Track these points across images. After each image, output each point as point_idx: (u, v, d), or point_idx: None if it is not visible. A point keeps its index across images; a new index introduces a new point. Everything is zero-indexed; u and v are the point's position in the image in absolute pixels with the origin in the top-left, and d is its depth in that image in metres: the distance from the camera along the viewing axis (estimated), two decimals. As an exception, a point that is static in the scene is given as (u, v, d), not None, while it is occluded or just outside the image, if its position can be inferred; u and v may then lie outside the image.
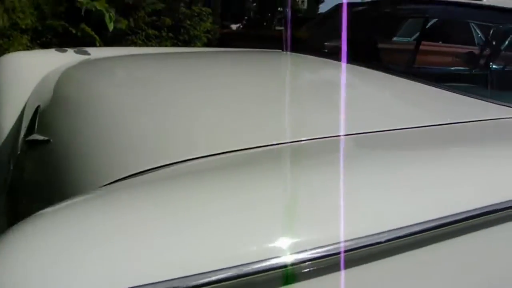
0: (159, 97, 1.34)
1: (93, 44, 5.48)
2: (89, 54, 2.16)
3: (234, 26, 7.95)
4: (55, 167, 1.21)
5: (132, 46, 5.90)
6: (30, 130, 1.48)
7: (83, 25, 5.07)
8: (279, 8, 10.36)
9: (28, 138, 1.41)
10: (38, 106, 1.58)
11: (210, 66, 1.82)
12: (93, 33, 5.14)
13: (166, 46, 5.70)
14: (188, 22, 5.93)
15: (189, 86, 1.43)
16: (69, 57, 2.13)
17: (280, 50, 2.29)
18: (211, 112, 1.22)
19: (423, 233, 0.79)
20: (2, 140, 1.86)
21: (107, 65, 1.83)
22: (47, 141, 1.31)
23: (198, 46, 5.95)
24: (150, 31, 5.53)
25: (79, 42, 5.30)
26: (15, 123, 1.85)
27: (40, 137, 1.35)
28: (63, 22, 4.99)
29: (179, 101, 1.31)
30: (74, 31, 5.18)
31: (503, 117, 1.35)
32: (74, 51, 2.19)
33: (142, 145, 1.08)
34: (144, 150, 1.05)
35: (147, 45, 5.59)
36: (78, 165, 1.14)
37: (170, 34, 5.76)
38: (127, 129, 1.17)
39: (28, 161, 1.42)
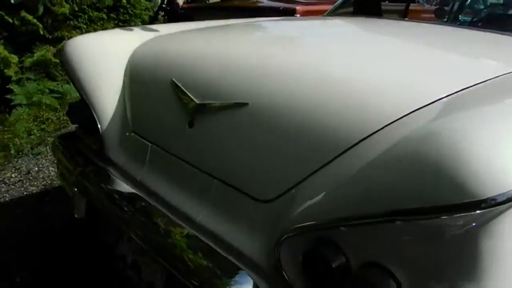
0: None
1: (36, 32, 5.08)
2: (156, 30, 2.09)
3: (180, 1, 7.68)
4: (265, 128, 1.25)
5: (74, 31, 5.55)
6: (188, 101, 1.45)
7: (23, 13, 4.64)
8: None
9: (207, 102, 1.38)
10: (172, 80, 1.53)
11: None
12: (35, 20, 4.74)
13: (109, 28, 5.44)
14: (124, 0, 5.67)
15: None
16: (138, 34, 2.05)
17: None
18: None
19: None
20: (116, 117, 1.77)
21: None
22: (245, 104, 1.30)
23: (139, 25, 5.75)
24: (93, 13, 5.21)
25: (19, 32, 4.89)
26: (133, 100, 1.77)
27: (229, 102, 1.34)
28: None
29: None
30: (11, 21, 4.74)
31: None
32: (140, 28, 2.12)
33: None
34: None
35: (90, 29, 5.28)
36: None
37: (112, 15, 5.47)
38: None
39: (209, 128, 1.39)
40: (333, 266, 0.99)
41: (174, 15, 7.85)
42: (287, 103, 1.23)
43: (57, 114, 4.58)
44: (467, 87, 1.14)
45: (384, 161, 0.95)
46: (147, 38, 1.99)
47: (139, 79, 1.79)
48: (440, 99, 1.09)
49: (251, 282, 1.13)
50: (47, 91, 5.08)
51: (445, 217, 0.84)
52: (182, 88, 1.49)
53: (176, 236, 1.32)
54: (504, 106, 1.05)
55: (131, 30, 2.10)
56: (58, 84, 5.24)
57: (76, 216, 1.78)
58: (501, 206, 0.77)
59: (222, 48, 1.69)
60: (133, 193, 1.55)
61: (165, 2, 6.57)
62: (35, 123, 4.30)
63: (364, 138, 1.04)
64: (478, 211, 0.79)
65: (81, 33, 5.62)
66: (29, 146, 3.64)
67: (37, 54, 5.36)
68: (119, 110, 1.80)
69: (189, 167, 1.43)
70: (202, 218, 1.34)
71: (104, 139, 1.78)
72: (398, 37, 1.93)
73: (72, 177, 1.75)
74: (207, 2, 8.09)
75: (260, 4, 5.41)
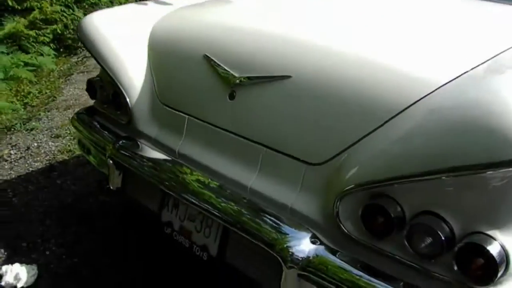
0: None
1: (5, 3, 4.96)
2: (170, 4, 2.15)
3: None
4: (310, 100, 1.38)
5: (44, 0, 5.43)
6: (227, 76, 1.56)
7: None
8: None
9: (249, 75, 1.50)
10: (205, 55, 1.64)
11: None
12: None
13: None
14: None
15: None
16: (154, 8, 2.11)
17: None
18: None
19: None
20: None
21: None
22: (287, 77, 1.43)
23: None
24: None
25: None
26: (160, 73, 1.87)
27: (272, 74, 1.46)
28: None
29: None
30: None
31: None
32: (154, 2, 2.17)
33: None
34: None
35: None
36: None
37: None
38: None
39: (253, 100, 1.51)
40: (392, 215, 1.15)
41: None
42: (334, 73, 1.36)
43: (37, 87, 4.54)
44: (494, 56, 1.30)
45: (436, 123, 1.11)
46: (165, 11, 2.05)
47: (166, 54, 1.87)
48: (477, 66, 1.24)
49: (309, 234, 1.29)
50: (22, 64, 4.99)
51: (490, 171, 1.01)
52: (218, 62, 1.60)
53: (230, 199, 1.46)
54: None
55: (146, 4, 2.16)
56: (31, 57, 5.15)
57: (111, 187, 1.88)
58: None
59: (254, 20, 1.78)
60: (177, 161, 1.67)
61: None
62: (17, 98, 4.26)
63: (415, 102, 1.19)
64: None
65: (52, 3, 5.52)
66: (20, 122, 3.63)
67: (8, 27, 5.24)
68: (147, 84, 1.88)
69: (234, 137, 1.55)
70: (254, 183, 1.47)
71: (133, 113, 1.87)
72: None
73: (107, 150, 1.84)
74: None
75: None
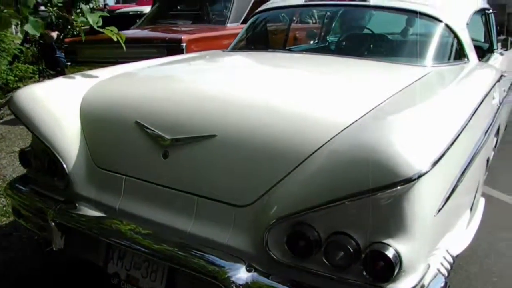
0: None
1: None
2: (96, 76, 2.37)
3: (54, 34, 7.52)
4: (238, 157, 1.64)
5: None
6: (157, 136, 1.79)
7: None
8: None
9: (180, 137, 1.75)
10: (137, 121, 1.87)
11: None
12: None
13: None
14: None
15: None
16: (81, 80, 2.33)
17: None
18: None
19: None
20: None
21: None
22: (213, 136, 1.70)
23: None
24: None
25: None
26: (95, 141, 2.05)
27: (194, 134, 1.72)
28: None
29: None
30: None
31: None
32: (81, 75, 2.38)
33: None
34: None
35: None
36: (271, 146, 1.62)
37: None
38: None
39: (185, 157, 1.76)
40: (310, 239, 1.44)
41: (47, 49, 7.75)
42: (252, 129, 1.65)
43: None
44: (375, 107, 1.67)
45: (335, 162, 1.43)
46: (92, 82, 2.26)
47: (98, 121, 2.06)
48: (365, 115, 1.60)
49: (245, 264, 1.53)
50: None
51: (378, 193, 1.33)
52: (149, 127, 1.83)
53: (172, 243, 1.67)
54: (402, 119, 1.59)
55: (73, 78, 2.35)
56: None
57: (54, 248, 2.00)
58: (412, 182, 1.30)
59: (178, 85, 2.06)
60: (117, 216, 1.85)
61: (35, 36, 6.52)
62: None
63: (319, 147, 1.50)
64: (398, 187, 1.30)
65: None
66: None
67: None
68: (82, 150, 2.05)
69: (170, 190, 1.77)
70: (192, 228, 1.70)
71: (71, 178, 2.03)
72: (301, 68, 2.47)
73: (48, 214, 1.97)
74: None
75: (146, 35, 5.68)
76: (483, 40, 3.86)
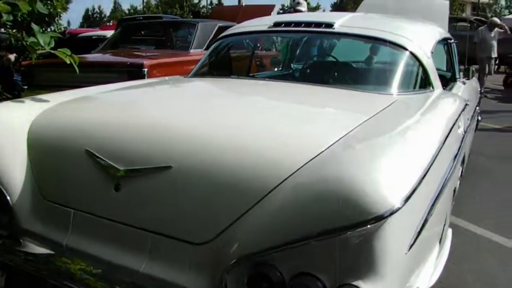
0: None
1: None
2: (47, 100, 2.22)
3: (12, 56, 7.25)
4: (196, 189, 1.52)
5: None
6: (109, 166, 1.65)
7: None
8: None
9: (133, 168, 1.61)
10: (87, 150, 1.72)
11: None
12: None
13: None
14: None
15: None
16: (31, 105, 2.17)
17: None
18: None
19: None
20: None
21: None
22: (168, 168, 1.58)
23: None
24: None
25: None
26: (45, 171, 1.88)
27: (149, 165, 1.60)
28: None
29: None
30: None
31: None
32: (30, 99, 2.23)
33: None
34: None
35: None
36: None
37: None
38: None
39: (138, 190, 1.62)
40: (273, 280, 1.31)
41: (5, 71, 7.48)
42: (210, 160, 1.53)
43: None
44: (341, 137, 1.58)
45: (300, 197, 1.32)
46: (42, 107, 2.10)
47: (46, 149, 1.91)
48: (333, 144, 1.50)
49: None
50: None
51: (347, 232, 1.23)
52: (101, 156, 1.69)
53: (119, 284, 1.52)
54: (372, 148, 1.50)
55: (23, 102, 2.19)
56: None
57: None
58: (384, 220, 1.20)
59: (131, 113, 1.92)
60: (63, 254, 1.69)
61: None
62: None
63: (283, 181, 1.40)
64: (369, 226, 1.20)
65: None
66: None
67: None
68: (28, 180, 1.89)
69: (122, 226, 1.63)
70: (145, 268, 1.55)
71: (15, 211, 1.86)
72: (264, 96, 2.38)
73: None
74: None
75: (107, 60, 5.53)
76: (445, 69, 3.89)
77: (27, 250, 1.78)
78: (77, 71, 2.18)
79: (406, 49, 2.67)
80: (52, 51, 2.11)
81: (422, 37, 2.95)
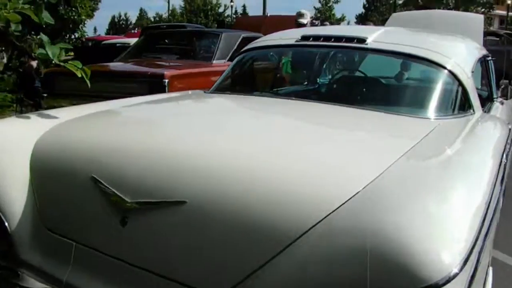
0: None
1: None
2: (56, 117, 2.06)
3: (34, 63, 7.23)
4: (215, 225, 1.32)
5: None
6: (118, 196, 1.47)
7: None
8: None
9: (142, 200, 1.43)
10: (93, 176, 1.54)
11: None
12: None
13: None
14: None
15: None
16: (37, 122, 2.01)
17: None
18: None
19: None
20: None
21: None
22: (182, 203, 1.38)
23: None
24: None
25: None
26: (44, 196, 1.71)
27: (160, 199, 1.41)
28: None
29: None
30: None
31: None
32: (37, 115, 2.07)
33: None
34: None
35: None
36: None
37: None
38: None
39: (146, 226, 1.44)
40: None
41: (27, 78, 7.46)
42: (232, 198, 1.33)
43: None
44: (381, 173, 1.35)
45: (325, 252, 1.11)
46: (49, 125, 1.94)
47: (50, 173, 1.74)
48: (365, 187, 1.28)
49: None
50: None
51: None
52: (107, 185, 1.51)
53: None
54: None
55: (29, 117, 2.03)
56: None
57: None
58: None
59: (144, 138, 1.72)
60: None
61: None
62: None
63: (307, 230, 1.19)
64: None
65: None
66: None
67: None
68: (29, 207, 1.73)
69: (127, 266, 1.44)
70: None
71: (14, 239, 1.70)
72: (290, 119, 2.17)
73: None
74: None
75: (128, 69, 5.42)
76: (480, 87, 3.64)
77: (25, 284, 1.60)
78: (89, 84, 2.02)
79: (445, 68, 2.44)
80: (62, 64, 1.95)
81: (462, 55, 2.72)
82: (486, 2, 25.80)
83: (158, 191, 1.43)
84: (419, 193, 1.24)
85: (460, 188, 1.37)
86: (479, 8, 25.63)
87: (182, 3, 43.12)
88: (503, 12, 34.81)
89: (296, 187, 1.31)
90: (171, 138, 1.74)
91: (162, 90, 4.52)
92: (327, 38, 2.73)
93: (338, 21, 39.35)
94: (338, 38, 2.68)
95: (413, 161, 1.50)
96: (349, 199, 1.22)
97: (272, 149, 1.60)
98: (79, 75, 2.00)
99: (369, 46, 2.59)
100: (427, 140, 1.77)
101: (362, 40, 2.59)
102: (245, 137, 1.75)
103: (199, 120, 2.01)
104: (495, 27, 38.22)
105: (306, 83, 3.89)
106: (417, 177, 1.37)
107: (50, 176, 1.73)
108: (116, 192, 1.48)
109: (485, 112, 2.80)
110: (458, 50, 2.78)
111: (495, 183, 1.58)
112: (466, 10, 23.14)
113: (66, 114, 2.09)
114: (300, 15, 6.49)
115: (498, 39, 14.89)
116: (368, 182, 1.28)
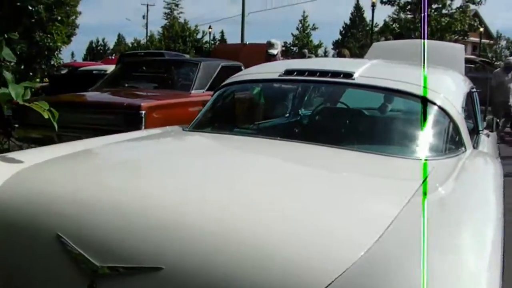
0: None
1: None
2: (21, 161, 1.87)
3: None
4: None
5: None
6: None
7: None
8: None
9: (113, 265, 1.26)
10: (58, 235, 1.36)
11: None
12: None
13: None
14: None
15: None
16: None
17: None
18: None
19: None
20: None
21: None
22: (158, 269, 1.22)
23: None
24: None
25: None
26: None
27: (133, 264, 1.24)
28: None
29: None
30: None
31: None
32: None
33: None
34: None
35: None
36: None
37: None
38: None
39: None
40: None
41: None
42: (216, 265, 1.17)
43: None
44: (381, 234, 1.21)
45: None
46: (11, 171, 1.75)
47: (6, 229, 1.55)
48: (365, 253, 1.13)
49: None
50: None
51: None
52: (73, 245, 1.33)
53: None
54: None
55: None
56: None
57: None
58: None
59: (117, 190, 1.55)
60: None
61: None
62: None
63: None
64: None
65: None
66: None
67: None
68: None
69: None
70: None
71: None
72: (275, 166, 1.99)
73: None
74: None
75: (103, 100, 5.23)
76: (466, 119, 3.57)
77: None
78: (56, 128, 1.85)
79: (435, 104, 2.34)
80: (27, 104, 1.78)
81: (452, 90, 2.64)
82: (461, 30, 26.42)
83: (132, 254, 1.26)
84: (430, 260, 1.10)
85: (475, 248, 1.25)
86: (453, 36, 26.19)
87: (160, 29, 43.18)
88: (476, 39, 35.73)
89: (287, 253, 1.17)
90: (148, 191, 1.55)
91: (139, 122, 4.37)
92: (312, 72, 2.61)
93: (316, 48, 39.80)
94: (324, 73, 2.56)
95: (414, 211, 1.36)
96: (351, 266, 1.08)
97: (258, 205, 1.43)
98: (46, 117, 1.82)
99: (356, 81, 2.48)
100: (427, 187, 1.63)
101: (349, 75, 2.47)
102: (232, 192, 1.56)
103: (179, 168, 1.84)
104: (468, 53, 39.16)
105: (288, 117, 3.76)
106: (419, 235, 1.22)
107: (6, 232, 1.54)
108: (83, 253, 1.30)
109: (473, 146, 2.71)
110: (448, 85, 2.70)
111: (504, 238, 1.46)
112: (441, 38, 23.61)
113: (33, 157, 1.90)
114: (271, 45, 5.82)
115: (473, 65, 15.19)
116: (367, 249, 1.14)
